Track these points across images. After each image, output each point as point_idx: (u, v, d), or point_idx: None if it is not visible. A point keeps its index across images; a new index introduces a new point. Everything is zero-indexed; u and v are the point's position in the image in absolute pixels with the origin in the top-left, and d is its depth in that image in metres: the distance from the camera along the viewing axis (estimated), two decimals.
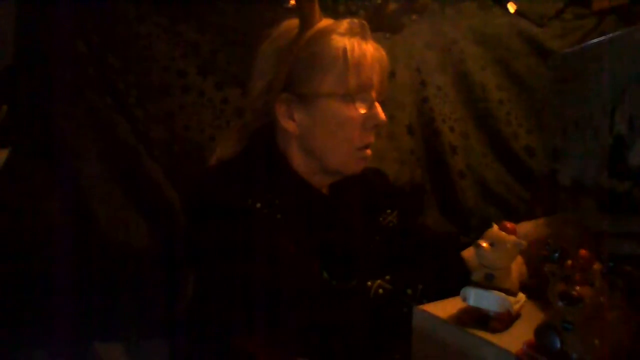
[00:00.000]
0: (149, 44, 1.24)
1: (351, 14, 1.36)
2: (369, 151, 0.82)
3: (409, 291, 0.72)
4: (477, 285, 0.69)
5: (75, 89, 1.19)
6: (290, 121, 0.79)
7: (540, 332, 0.57)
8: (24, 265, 1.12)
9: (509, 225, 0.72)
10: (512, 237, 0.70)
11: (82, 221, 1.18)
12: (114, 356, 1.20)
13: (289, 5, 0.76)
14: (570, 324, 0.54)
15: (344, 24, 0.79)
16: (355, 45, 0.77)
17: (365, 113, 0.79)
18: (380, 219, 0.92)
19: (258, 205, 0.74)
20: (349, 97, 0.77)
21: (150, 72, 1.25)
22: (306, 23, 0.77)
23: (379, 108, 0.79)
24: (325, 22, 0.79)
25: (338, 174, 0.84)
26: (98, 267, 1.17)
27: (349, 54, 0.76)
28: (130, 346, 1.21)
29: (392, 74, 1.51)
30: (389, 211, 0.94)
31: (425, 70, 1.55)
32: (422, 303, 0.72)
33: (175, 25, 1.26)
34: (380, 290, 0.72)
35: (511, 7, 1.52)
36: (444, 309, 0.75)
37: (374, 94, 0.79)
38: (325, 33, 0.77)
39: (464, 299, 0.71)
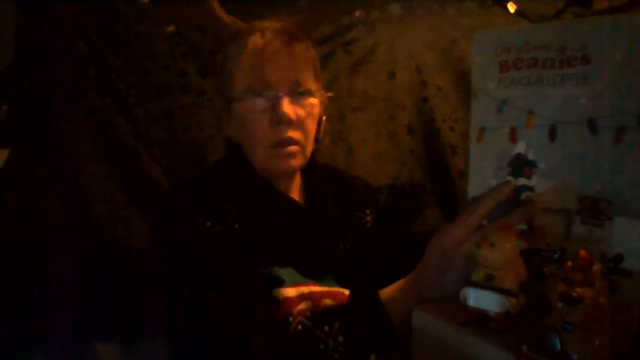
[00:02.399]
0: (149, 44, 1.24)
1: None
2: (292, 148, 0.81)
3: (326, 328, 0.70)
4: (477, 285, 0.69)
5: (75, 89, 1.18)
6: (228, 126, 0.84)
7: (540, 332, 0.58)
8: (24, 265, 1.12)
9: (509, 225, 0.72)
10: (512, 237, 0.70)
11: (82, 221, 1.18)
12: (114, 356, 1.20)
13: (144, 2, 0.77)
14: (570, 325, 0.55)
15: (253, 25, 0.81)
16: (250, 44, 0.78)
17: (267, 109, 0.79)
18: (359, 214, 0.93)
19: (208, 224, 0.76)
20: (248, 96, 0.79)
21: (150, 72, 1.24)
22: (219, 36, 0.81)
23: (283, 102, 0.78)
24: (240, 27, 0.82)
25: (275, 175, 0.85)
26: (98, 267, 1.17)
27: (244, 54, 0.78)
28: (130, 346, 1.21)
29: (392, 74, 1.52)
30: (367, 211, 0.94)
31: (425, 70, 1.55)
32: (338, 341, 0.70)
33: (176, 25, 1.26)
34: (300, 327, 0.71)
35: (511, 7, 1.52)
36: (444, 309, 0.75)
37: (280, 90, 0.79)
38: (233, 39, 0.80)
39: (464, 299, 0.71)
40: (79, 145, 1.19)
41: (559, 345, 0.55)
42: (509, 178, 0.78)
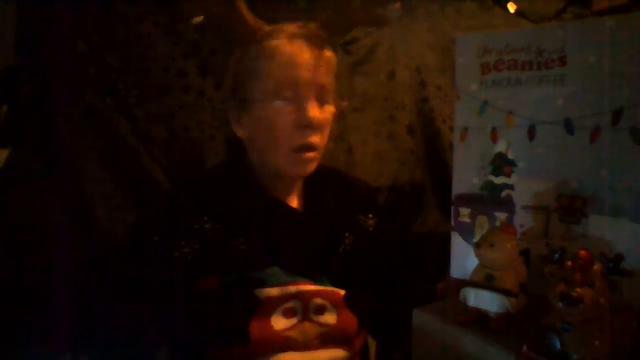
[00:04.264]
0: (149, 44, 1.24)
1: None
2: (310, 154, 0.81)
3: None
4: (477, 285, 0.69)
5: (75, 89, 1.18)
6: (239, 126, 0.83)
7: (540, 333, 0.58)
8: (24, 265, 1.12)
9: (509, 225, 0.73)
10: (512, 237, 0.70)
11: (82, 221, 1.18)
12: (113, 356, 1.19)
13: (197, 22, 0.78)
14: (570, 325, 0.55)
15: (283, 27, 0.82)
16: (279, 46, 0.79)
17: (293, 112, 0.79)
18: (362, 217, 0.93)
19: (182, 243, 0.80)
20: (277, 97, 0.78)
21: (150, 72, 1.24)
22: (241, 35, 0.81)
23: (309, 107, 0.79)
24: (266, 29, 0.82)
25: (287, 178, 0.86)
26: (98, 267, 1.17)
27: (272, 56, 0.78)
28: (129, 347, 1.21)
29: (392, 74, 1.52)
30: (370, 215, 0.94)
31: (425, 70, 1.55)
32: None
33: (175, 25, 1.26)
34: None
35: (511, 7, 1.52)
36: (444, 309, 0.76)
37: (306, 93, 0.79)
38: (259, 40, 0.80)
39: (464, 299, 0.71)
40: (79, 145, 1.19)
41: (559, 345, 0.55)
42: (491, 177, 0.79)
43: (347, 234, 0.90)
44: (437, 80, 1.55)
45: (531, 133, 0.78)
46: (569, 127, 0.75)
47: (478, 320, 0.69)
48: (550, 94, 0.76)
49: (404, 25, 1.52)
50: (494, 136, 0.82)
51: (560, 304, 0.55)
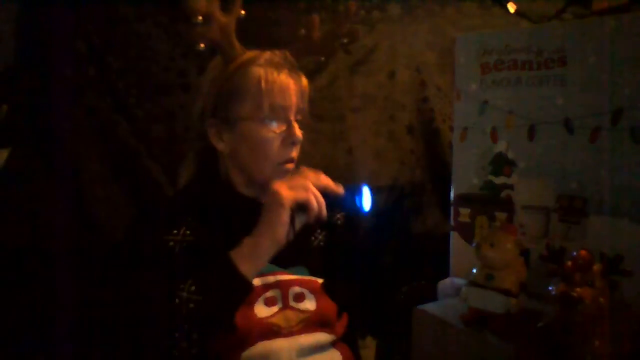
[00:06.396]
0: (149, 44, 1.24)
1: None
2: (290, 165, 0.89)
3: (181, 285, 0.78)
4: (477, 285, 0.69)
5: (75, 89, 1.19)
6: (220, 142, 0.90)
7: (541, 332, 0.58)
8: (24, 264, 1.12)
9: (509, 225, 0.73)
10: (512, 237, 0.70)
11: (82, 221, 1.18)
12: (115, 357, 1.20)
13: (200, 49, 0.84)
14: (570, 325, 0.55)
15: (264, 55, 0.89)
16: (268, 74, 0.87)
17: (281, 132, 0.87)
18: (330, 214, 0.98)
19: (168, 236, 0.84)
20: (265, 120, 0.86)
21: (150, 72, 1.24)
22: (227, 59, 0.88)
23: (295, 127, 0.87)
24: (248, 55, 0.89)
25: (267, 185, 0.91)
26: (98, 267, 1.17)
27: (262, 82, 0.86)
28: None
29: (392, 74, 1.52)
30: (337, 210, 1.00)
31: (425, 70, 1.55)
32: (190, 292, 0.76)
33: (175, 25, 1.26)
34: (192, 305, 0.76)
35: (511, 7, 1.52)
36: (444, 309, 0.76)
37: (291, 115, 0.87)
38: (245, 65, 0.88)
39: (464, 299, 0.71)
40: (79, 145, 1.19)
41: (559, 346, 0.56)
42: (491, 177, 0.80)
43: (319, 230, 0.96)
44: (437, 80, 1.55)
45: (531, 133, 0.79)
46: (569, 127, 0.75)
47: (478, 320, 0.69)
48: (550, 94, 0.77)
49: (404, 25, 1.52)
50: (494, 136, 0.83)
51: (560, 304, 0.55)
